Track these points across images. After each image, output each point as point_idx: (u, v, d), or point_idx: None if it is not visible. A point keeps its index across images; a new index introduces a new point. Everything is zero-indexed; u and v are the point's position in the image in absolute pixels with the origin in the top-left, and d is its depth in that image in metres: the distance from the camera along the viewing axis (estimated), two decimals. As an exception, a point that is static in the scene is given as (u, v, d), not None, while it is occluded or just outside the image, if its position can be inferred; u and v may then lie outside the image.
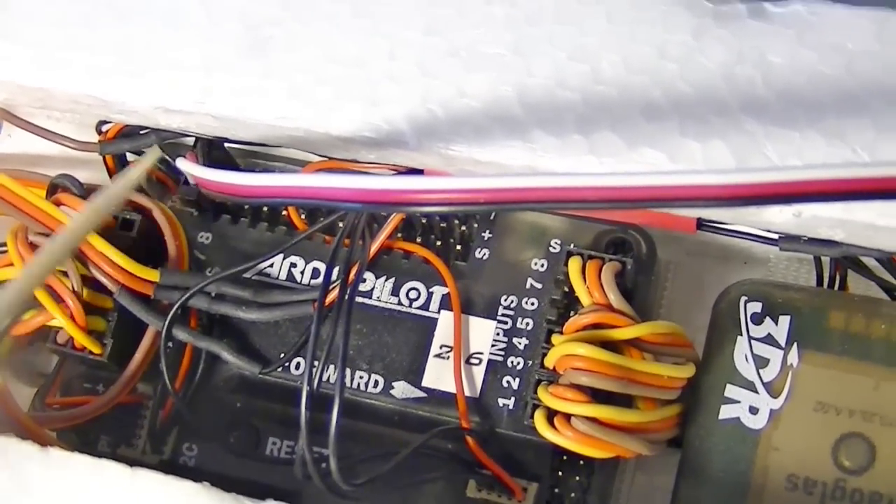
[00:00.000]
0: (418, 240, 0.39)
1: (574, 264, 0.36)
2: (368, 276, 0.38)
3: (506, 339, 0.37)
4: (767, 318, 0.34)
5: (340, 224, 0.38)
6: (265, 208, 0.40)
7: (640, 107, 0.33)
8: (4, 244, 0.38)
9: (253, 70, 0.35)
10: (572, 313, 0.36)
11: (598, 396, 0.34)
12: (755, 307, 0.34)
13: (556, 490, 0.36)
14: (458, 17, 0.35)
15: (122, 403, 0.39)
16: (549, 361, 0.35)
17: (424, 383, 0.37)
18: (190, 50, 0.36)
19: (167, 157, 0.40)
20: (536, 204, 0.27)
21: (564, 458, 0.36)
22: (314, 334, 0.34)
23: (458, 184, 0.28)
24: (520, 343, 0.37)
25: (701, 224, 0.34)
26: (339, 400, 0.33)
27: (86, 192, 0.39)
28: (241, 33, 0.36)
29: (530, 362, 0.36)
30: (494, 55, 0.34)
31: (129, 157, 0.41)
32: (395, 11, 0.35)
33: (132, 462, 0.34)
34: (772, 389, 0.34)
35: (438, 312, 0.37)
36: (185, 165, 0.36)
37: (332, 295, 0.36)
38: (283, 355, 0.38)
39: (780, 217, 0.32)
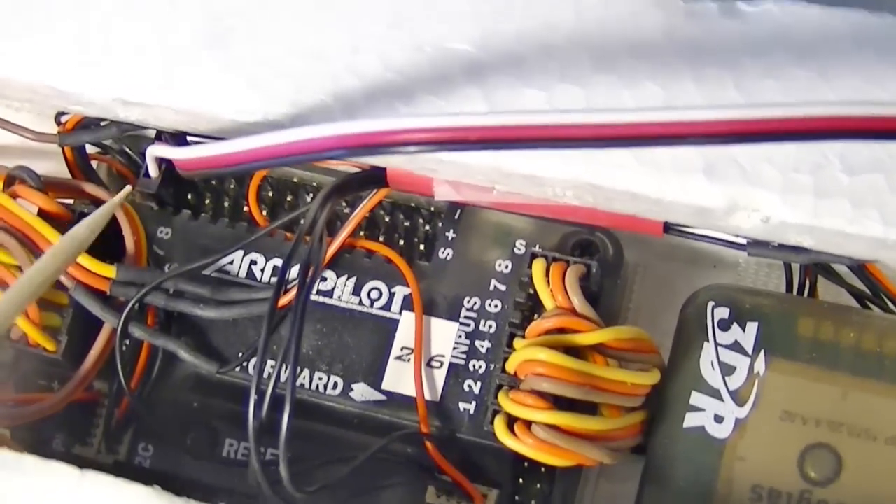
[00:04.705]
0: (381, 238, 0.38)
1: (538, 266, 0.35)
2: (329, 274, 0.37)
3: (468, 342, 0.36)
4: (735, 324, 0.34)
5: (302, 221, 0.38)
6: (226, 203, 0.39)
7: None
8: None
9: (213, 62, 0.34)
10: (536, 316, 0.35)
11: (559, 403, 0.33)
12: (723, 313, 0.34)
13: (517, 497, 0.35)
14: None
15: (78, 401, 0.38)
16: (511, 366, 0.34)
17: (384, 386, 0.36)
18: (149, 40, 0.35)
19: (127, 150, 0.40)
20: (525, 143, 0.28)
21: (526, 464, 0.35)
22: (265, 335, 0.33)
23: (445, 122, 0.28)
24: (482, 346, 0.36)
25: (668, 227, 0.33)
26: (290, 405, 0.32)
27: (43, 184, 0.38)
28: (202, 24, 0.35)
29: (492, 366, 0.35)
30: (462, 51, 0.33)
31: (89, 148, 0.40)
32: (358, 4, 0.34)
33: (86, 462, 0.34)
34: (738, 397, 0.33)
35: (400, 313, 0.37)
36: (159, 150, 0.36)
37: (291, 294, 0.35)
38: (241, 354, 0.37)
39: (748, 222, 0.31)
